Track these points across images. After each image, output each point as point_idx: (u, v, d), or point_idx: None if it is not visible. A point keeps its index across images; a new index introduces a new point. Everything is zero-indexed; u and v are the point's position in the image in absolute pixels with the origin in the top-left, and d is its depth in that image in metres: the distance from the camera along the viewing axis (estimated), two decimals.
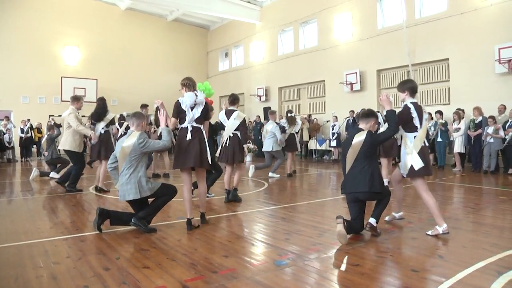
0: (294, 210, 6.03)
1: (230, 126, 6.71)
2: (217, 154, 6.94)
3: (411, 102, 4.49)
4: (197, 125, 4.86)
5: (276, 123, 10.44)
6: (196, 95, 4.85)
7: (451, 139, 11.58)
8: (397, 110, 4.53)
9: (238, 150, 6.67)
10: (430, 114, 12.14)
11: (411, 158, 4.42)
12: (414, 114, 4.43)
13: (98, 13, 21.59)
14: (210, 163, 5.26)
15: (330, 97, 17.40)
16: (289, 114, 10.57)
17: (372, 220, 4.36)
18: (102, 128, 8.01)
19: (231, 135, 6.68)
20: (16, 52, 19.33)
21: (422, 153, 4.42)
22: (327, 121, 16.73)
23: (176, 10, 22.31)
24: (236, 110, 6.82)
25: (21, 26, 19.45)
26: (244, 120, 6.80)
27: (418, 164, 4.38)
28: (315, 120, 17.36)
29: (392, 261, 3.61)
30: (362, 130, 4.46)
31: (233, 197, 6.67)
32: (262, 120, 18.39)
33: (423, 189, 4.47)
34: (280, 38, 20.17)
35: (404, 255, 3.75)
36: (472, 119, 11.03)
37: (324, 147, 16.21)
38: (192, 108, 4.83)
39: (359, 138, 4.39)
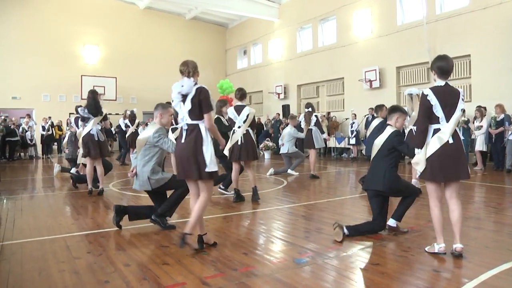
0: (314, 208, 6.00)
1: (245, 122, 6.41)
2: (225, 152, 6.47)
3: (430, 88, 3.58)
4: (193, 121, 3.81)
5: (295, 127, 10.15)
6: (182, 85, 3.78)
7: (473, 137, 11.36)
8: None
9: (251, 148, 6.45)
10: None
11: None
12: (434, 101, 3.51)
13: (117, 12, 21.83)
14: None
15: (349, 94, 17.24)
16: (306, 110, 10.04)
17: (391, 222, 4.35)
18: (98, 123, 7.32)
19: (245, 132, 6.42)
20: (37, 52, 19.65)
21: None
22: (346, 119, 16.59)
23: (195, 8, 22.39)
24: (245, 106, 6.54)
25: (41, 26, 19.77)
26: (254, 116, 6.56)
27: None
28: (334, 117, 17.25)
29: (413, 260, 3.56)
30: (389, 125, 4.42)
31: (254, 198, 6.49)
32: (281, 117, 18.34)
33: None
34: (298, 35, 20.05)
35: (425, 254, 3.67)
36: (493, 116, 10.78)
37: (343, 145, 16.08)
38: (183, 101, 3.82)
39: (382, 136, 4.35)
